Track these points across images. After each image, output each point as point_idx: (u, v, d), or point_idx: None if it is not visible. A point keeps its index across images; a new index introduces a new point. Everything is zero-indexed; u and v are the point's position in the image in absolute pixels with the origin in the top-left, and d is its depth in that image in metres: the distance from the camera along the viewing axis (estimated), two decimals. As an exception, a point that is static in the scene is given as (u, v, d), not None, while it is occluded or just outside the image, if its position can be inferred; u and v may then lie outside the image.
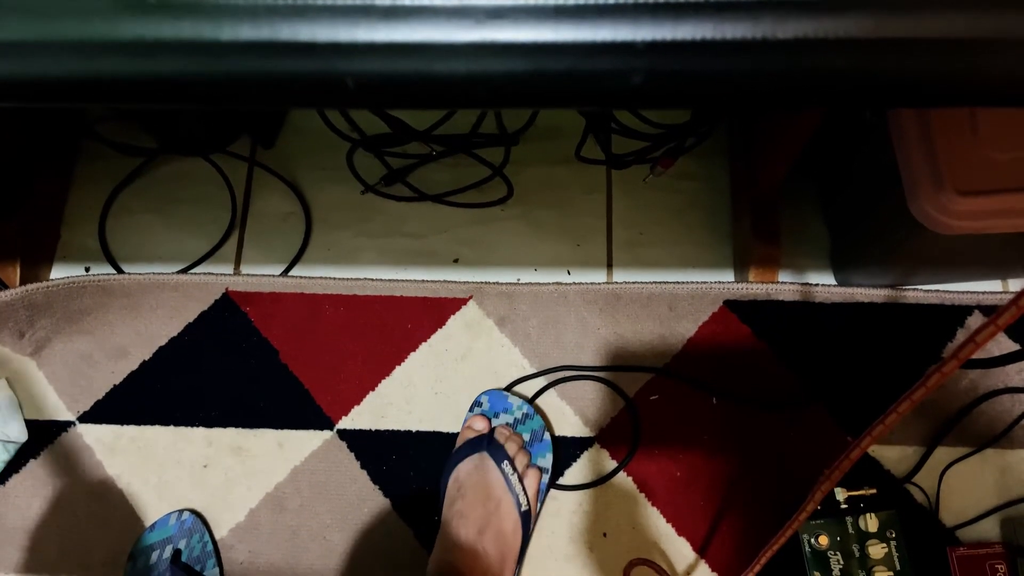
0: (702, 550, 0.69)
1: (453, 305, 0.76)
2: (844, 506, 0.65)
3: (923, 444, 0.70)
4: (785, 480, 0.70)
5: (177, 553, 0.68)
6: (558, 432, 0.72)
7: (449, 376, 0.74)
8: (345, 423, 0.73)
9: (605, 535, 0.69)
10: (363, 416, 0.73)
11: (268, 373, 0.75)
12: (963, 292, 0.74)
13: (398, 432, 0.73)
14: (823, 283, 0.75)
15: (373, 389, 0.74)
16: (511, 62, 0.21)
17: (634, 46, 0.21)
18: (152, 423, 0.74)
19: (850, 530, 0.64)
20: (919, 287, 0.74)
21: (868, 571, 0.63)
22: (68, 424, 0.74)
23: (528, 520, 0.65)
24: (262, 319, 0.76)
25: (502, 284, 0.77)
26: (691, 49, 0.21)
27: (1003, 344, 0.73)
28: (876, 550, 0.63)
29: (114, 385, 0.75)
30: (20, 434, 0.72)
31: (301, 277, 0.78)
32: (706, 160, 0.83)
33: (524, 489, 0.64)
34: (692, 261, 0.79)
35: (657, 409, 0.72)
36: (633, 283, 0.76)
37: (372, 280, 0.77)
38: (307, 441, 0.73)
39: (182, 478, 0.72)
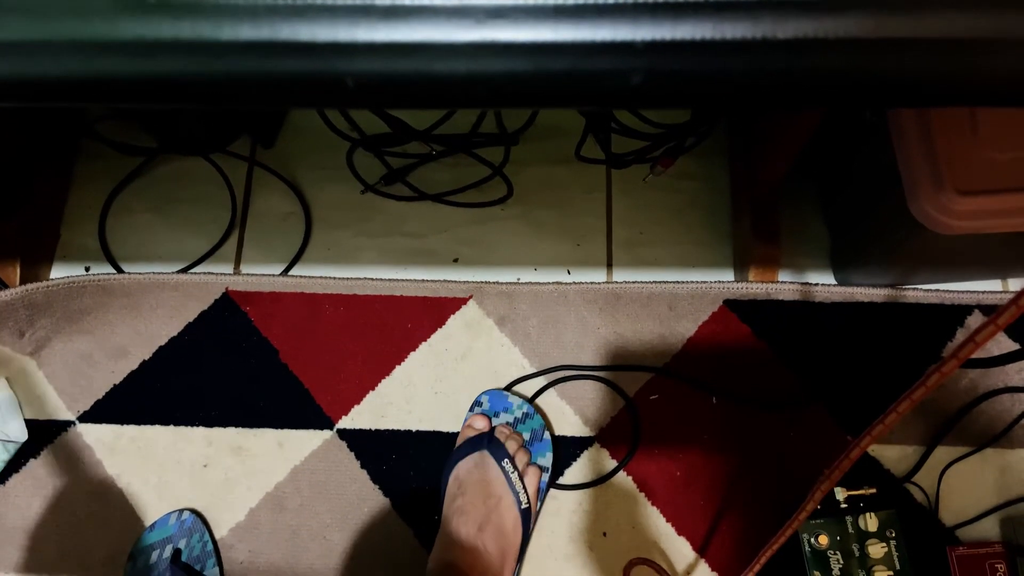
0: (702, 550, 0.69)
1: (453, 305, 0.76)
2: (844, 505, 0.65)
3: (923, 443, 0.70)
4: (785, 480, 0.70)
5: (177, 553, 0.68)
6: (558, 432, 0.72)
7: (449, 376, 0.74)
8: (345, 423, 0.73)
9: (605, 534, 0.69)
10: (363, 416, 0.73)
11: (268, 373, 0.75)
12: (963, 292, 0.74)
13: (398, 432, 0.73)
14: (823, 283, 0.75)
15: (373, 389, 0.74)
16: (511, 62, 0.21)
17: (633, 46, 0.21)
18: (152, 423, 0.74)
19: (850, 529, 0.64)
20: (919, 287, 0.74)
21: (868, 570, 0.63)
22: (68, 424, 0.74)
23: (528, 517, 0.65)
24: (262, 319, 0.76)
25: (502, 284, 0.77)
26: (691, 49, 0.21)
27: (1003, 344, 0.73)
28: (876, 549, 0.63)
29: (114, 385, 0.75)
30: (20, 433, 0.72)
31: (301, 277, 0.78)
32: (706, 160, 0.83)
33: (524, 487, 0.64)
34: (692, 261, 0.79)
35: (657, 409, 0.72)
36: (633, 283, 0.76)
37: (372, 280, 0.77)
38: (307, 441, 0.73)
39: (182, 478, 0.72)
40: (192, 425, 0.74)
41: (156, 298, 0.77)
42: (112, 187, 0.83)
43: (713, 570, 0.68)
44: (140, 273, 0.78)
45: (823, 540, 0.64)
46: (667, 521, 0.69)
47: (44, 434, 0.73)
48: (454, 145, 0.82)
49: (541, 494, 0.68)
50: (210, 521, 0.71)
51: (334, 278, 0.77)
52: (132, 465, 0.73)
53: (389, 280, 0.77)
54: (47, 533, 0.70)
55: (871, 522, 0.64)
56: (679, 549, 0.69)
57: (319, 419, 0.73)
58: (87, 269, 0.81)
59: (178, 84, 0.22)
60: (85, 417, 0.74)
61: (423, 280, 0.77)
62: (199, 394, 0.74)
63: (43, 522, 0.71)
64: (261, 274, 0.78)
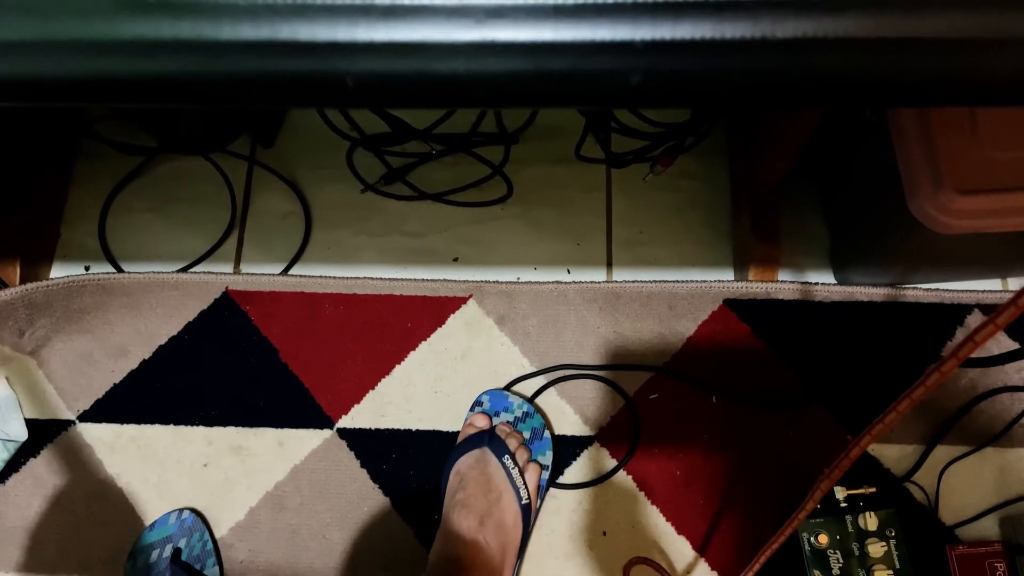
0: (702, 549, 0.69)
1: (453, 304, 0.76)
2: (844, 505, 0.65)
3: (923, 443, 0.70)
4: (785, 479, 0.70)
5: (177, 552, 0.68)
6: (558, 431, 0.72)
7: (449, 375, 0.74)
8: (345, 422, 0.73)
9: (605, 534, 0.69)
10: (363, 415, 0.73)
11: (268, 372, 0.75)
12: (963, 291, 0.74)
13: (398, 431, 0.73)
14: (823, 282, 0.75)
15: (373, 388, 0.74)
16: (511, 62, 0.21)
17: (633, 45, 0.21)
18: (152, 422, 0.74)
19: (850, 529, 0.64)
20: (919, 286, 0.74)
21: (868, 570, 0.63)
22: (68, 423, 0.74)
23: (529, 513, 0.65)
24: (262, 318, 0.76)
25: (502, 283, 0.77)
26: (690, 49, 0.21)
27: (1002, 343, 0.73)
28: (876, 548, 0.63)
29: (114, 384, 0.75)
30: (20, 433, 0.72)
31: (301, 276, 0.78)
32: (706, 159, 0.83)
33: (525, 482, 0.64)
34: (692, 260, 0.79)
35: (657, 408, 0.72)
36: (633, 282, 0.76)
37: (372, 279, 0.77)
38: (307, 440, 0.73)
39: (182, 477, 0.72)
40: (192, 424, 0.74)
41: (156, 297, 0.77)
42: (112, 187, 0.83)
43: (713, 569, 0.68)
44: (140, 272, 0.78)
45: (823, 539, 0.64)
46: (667, 520, 0.69)
47: (44, 433, 0.73)
48: (454, 144, 0.82)
49: (541, 492, 0.68)
50: (210, 520, 0.71)
51: (334, 277, 0.77)
52: (132, 464, 0.73)
53: (389, 279, 0.77)
54: (47, 532, 0.70)
55: (871, 521, 0.64)
56: (679, 548, 0.69)
57: (319, 418, 0.73)
58: (87, 268, 0.81)
59: (178, 84, 0.22)
60: (85, 416, 0.74)
61: (423, 279, 0.77)
62: (199, 393, 0.74)
63: (43, 521, 0.71)
64: (261, 273, 0.78)
